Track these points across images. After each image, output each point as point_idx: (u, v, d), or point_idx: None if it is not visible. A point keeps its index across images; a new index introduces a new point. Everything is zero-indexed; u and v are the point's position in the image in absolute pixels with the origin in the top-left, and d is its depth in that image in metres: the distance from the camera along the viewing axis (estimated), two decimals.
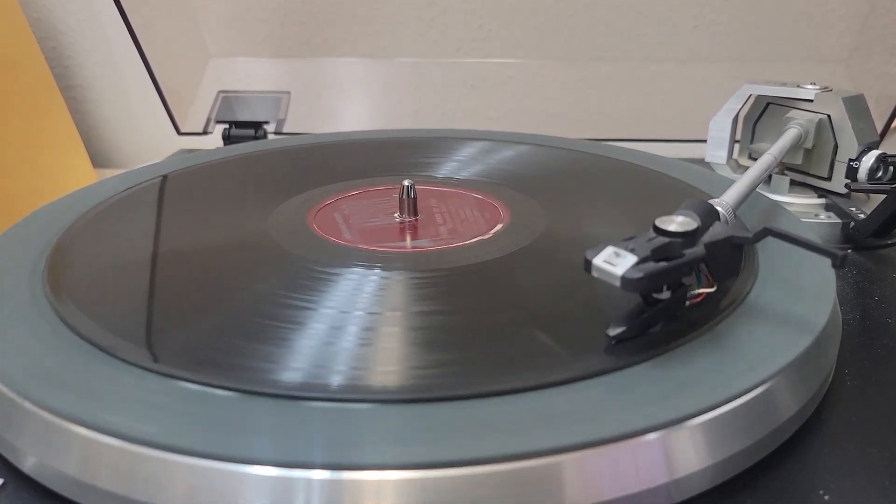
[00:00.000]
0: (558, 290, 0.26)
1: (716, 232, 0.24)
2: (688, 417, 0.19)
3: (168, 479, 0.17)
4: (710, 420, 0.19)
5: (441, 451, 0.17)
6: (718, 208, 0.27)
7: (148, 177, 0.38)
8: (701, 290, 0.24)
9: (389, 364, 0.21)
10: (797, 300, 0.24)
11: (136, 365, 0.21)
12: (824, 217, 0.39)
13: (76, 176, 0.55)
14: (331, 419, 0.18)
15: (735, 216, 0.29)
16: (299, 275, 0.27)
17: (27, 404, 0.20)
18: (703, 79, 0.60)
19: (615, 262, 0.21)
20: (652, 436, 0.18)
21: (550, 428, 0.18)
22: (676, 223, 0.23)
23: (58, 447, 0.19)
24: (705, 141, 0.43)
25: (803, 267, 0.26)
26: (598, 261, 0.21)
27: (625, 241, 0.22)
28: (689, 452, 0.18)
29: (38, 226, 0.32)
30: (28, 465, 0.20)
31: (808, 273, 0.26)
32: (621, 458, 0.18)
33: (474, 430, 0.18)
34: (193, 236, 0.32)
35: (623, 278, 0.20)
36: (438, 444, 0.18)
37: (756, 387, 0.20)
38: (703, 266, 0.24)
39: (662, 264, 0.21)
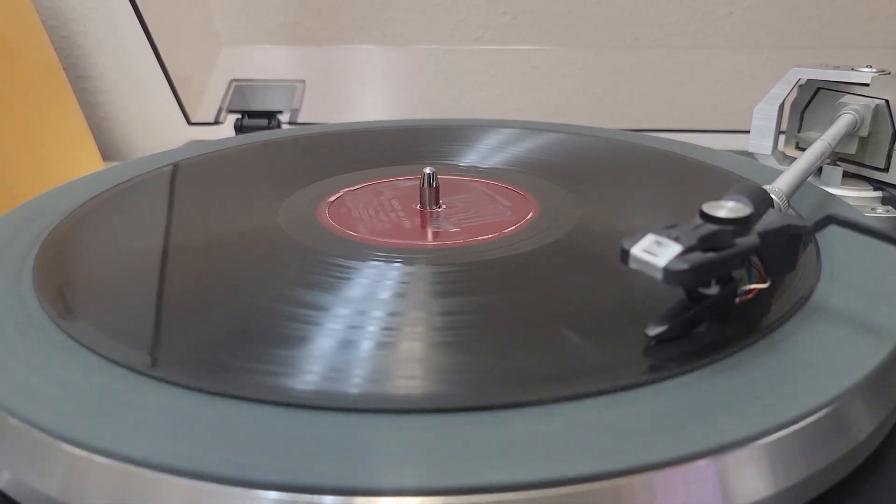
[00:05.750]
0: (594, 286, 0.24)
1: (771, 220, 0.21)
2: (747, 440, 0.16)
3: (158, 503, 0.15)
4: (773, 442, 0.16)
5: (467, 474, 0.15)
6: (771, 195, 0.24)
7: (152, 167, 0.36)
8: (753, 286, 0.21)
9: (410, 370, 0.19)
10: (869, 302, 0.21)
11: (126, 368, 0.19)
12: (881, 211, 0.36)
13: (84, 168, 0.54)
14: (342, 434, 0.16)
15: (789, 205, 0.26)
16: (311, 270, 0.25)
17: (2, 414, 0.17)
18: (740, 68, 0.57)
19: (656, 251, 0.18)
20: (705, 461, 0.15)
21: (588, 451, 0.16)
22: (727, 209, 0.20)
23: (37, 463, 0.17)
24: (745, 131, 0.40)
25: (872, 263, 0.24)
26: (637, 250, 0.18)
27: (667, 229, 0.19)
28: (748, 479, 0.16)
29: (30, 217, 0.30)
30: (2, 480, 0.18)
31: (879, 270, 0.23)
32: (670, 485, 0.15)
33: (501, 450, 0.16)
34: (196, 229, 0.30)
35: (666, 270, 0.18)
36: (463, 466, 0.15)
37: (827, 404, 0.17)
38: (754, 259, 0.22)
39: (711, 255, 0.19)
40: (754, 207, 0.20)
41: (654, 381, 0.18)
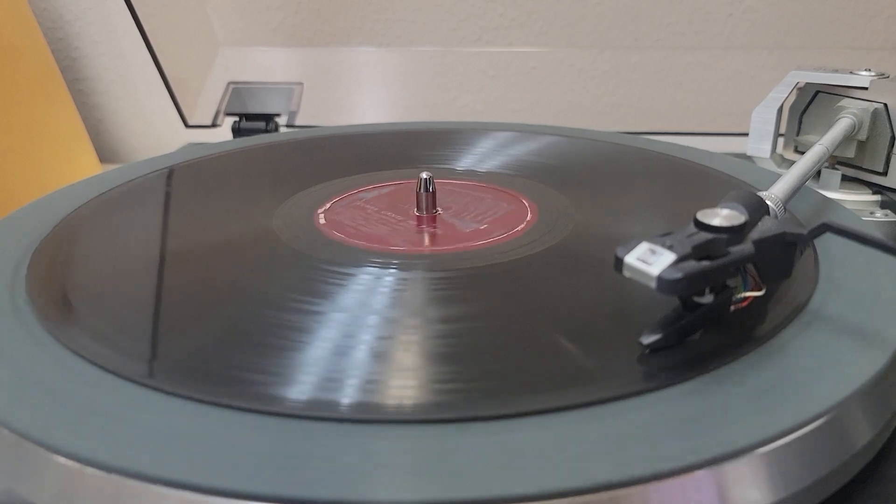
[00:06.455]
0: (589, 294, 0.24)
1: (766, 227, 0.21)
2: (744, 449, 0.16)
3: None
4: (770, 452, 0.16)
5: (462, 486, 0.15)
6: (767, 202, 0.24)
7: (147, 171, 0.36)
8: (748, 294, 0.21)
9: (407, 379, 0.19)
10: (867, 309, 0.21)
11: (120, 377, 0.19)
12: (880, 215, 0.36)
13: (81, 170, 0.54)
14: (337, 445, 0.16)
15: (785, 211, 0.25)
16: (305, 276, 0.24)
17: None
18: (740, 69, 0.57)
19: (650, 260, 0.18)
20: (702, 471, 0.15)
21: (584, 462, 0.15)
22: (721, 217, 0.20)
23: (29, 474, 0.17)
24: (744, 134, 0.40)
25: (870, 270, 0.23)
26: (631, 259, 0.18)
27: (661, 237, 0.19)
28: (746, 489, 0.16)
29: (24, 222, 0.30)
30: None
31: (877, 277, 0.23)
32: (668, 496, 0.15)
33: (497, 461, 0.16)
34: (190, 235, 0.29)
35: (659, 279, 0.18)
36: (458, 478, 0.15)
37: (825, 413, 0.17)
38: (749, 266, 0.21)
39: (705, 263, 0.19)
40: (749, 215, 0.20)
41: (649, 391, 0.18)
